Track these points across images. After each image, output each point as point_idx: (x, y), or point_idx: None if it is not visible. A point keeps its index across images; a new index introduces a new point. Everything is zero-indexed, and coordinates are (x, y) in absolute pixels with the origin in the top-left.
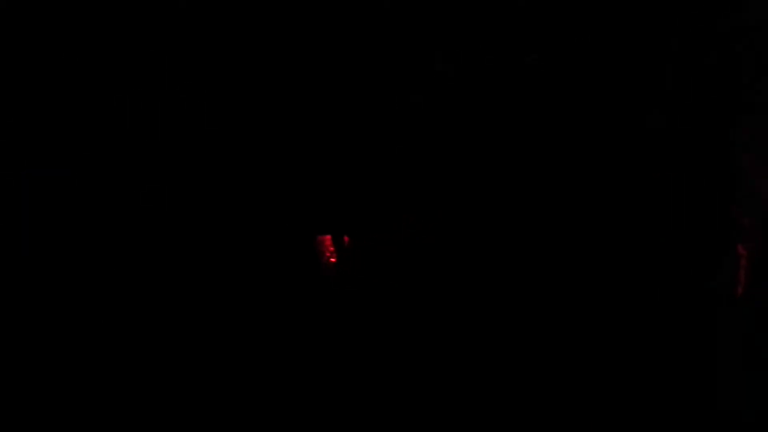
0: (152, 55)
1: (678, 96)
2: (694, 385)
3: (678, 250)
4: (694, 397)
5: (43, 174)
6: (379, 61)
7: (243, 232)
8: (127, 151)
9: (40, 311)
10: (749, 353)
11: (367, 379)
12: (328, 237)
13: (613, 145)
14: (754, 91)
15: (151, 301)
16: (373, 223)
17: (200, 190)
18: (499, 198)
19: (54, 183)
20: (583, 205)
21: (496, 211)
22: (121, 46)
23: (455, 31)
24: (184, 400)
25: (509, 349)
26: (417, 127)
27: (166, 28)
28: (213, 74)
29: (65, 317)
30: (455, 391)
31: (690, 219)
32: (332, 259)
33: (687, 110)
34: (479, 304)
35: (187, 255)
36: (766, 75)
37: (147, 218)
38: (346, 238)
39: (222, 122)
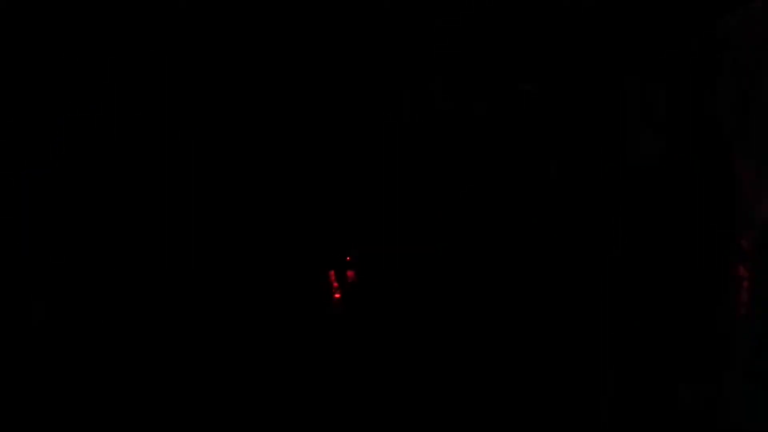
0: (152, 57)
1: (673, 123)
2: (694, 400)
3: (682, 272)
4: (695, 410)
5: (43, 174)
6: (378, 94)
7: (249, 263)
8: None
9: (41, 310)
10: (751, 372)
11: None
12: (332, 272)
13: (616, 169)
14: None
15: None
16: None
17: (209, 219)
18: (499, 208)
19: (54, 183)
20: (578, 220)
21: (497, 222)
22: (120, 47)
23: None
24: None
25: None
26: (421, 149)
27: (167, 29)
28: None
29: (65, 316)
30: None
31: (693, 241)
32: (336, 295)
33: (685, 136)
34: (480, 312)
35: (195, 287)
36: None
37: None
38: (349, 273)
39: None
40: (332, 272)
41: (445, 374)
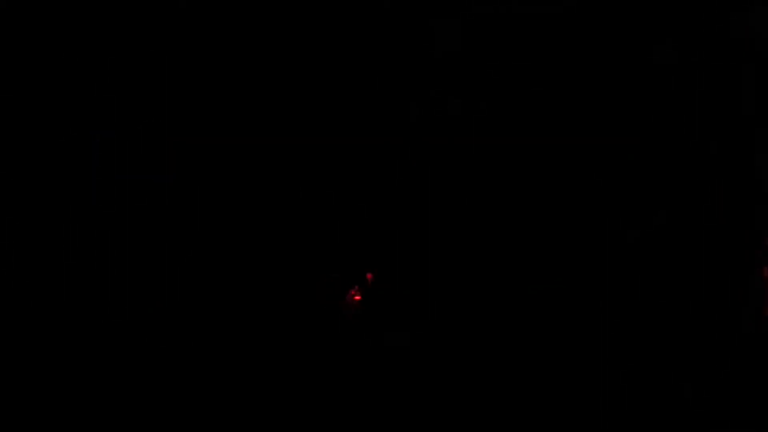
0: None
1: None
2: (717, 397)
3: (704, 272)
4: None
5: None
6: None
7: (269, 271)
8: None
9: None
10: None
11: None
12: (353, 276)
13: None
14: None
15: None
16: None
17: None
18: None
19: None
20: (601, 219)
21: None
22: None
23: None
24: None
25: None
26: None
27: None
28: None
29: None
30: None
31: (715, 241)
32: (356, 297)
33: (706, 134)
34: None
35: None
36: None
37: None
38: (369, 275)
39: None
40: (353, 276)
41: (458, 373)
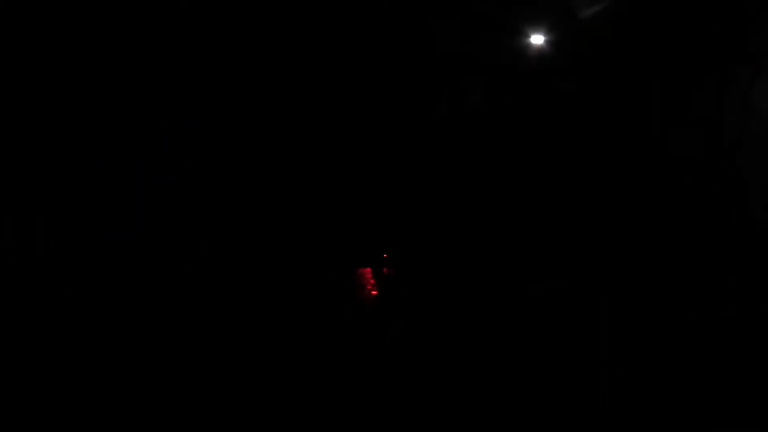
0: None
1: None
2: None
3: (705, 271)
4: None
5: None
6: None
7: (283, 264)
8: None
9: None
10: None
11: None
12: (368, 269)
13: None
14: None
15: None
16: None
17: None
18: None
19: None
20: (621, 215)
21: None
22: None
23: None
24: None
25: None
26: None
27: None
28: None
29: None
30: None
31: (716, 241)
32: (373, 292)
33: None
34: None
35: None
36: None
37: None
38: (385, 270)
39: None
40: (369, 270)
41: (462, 371)
